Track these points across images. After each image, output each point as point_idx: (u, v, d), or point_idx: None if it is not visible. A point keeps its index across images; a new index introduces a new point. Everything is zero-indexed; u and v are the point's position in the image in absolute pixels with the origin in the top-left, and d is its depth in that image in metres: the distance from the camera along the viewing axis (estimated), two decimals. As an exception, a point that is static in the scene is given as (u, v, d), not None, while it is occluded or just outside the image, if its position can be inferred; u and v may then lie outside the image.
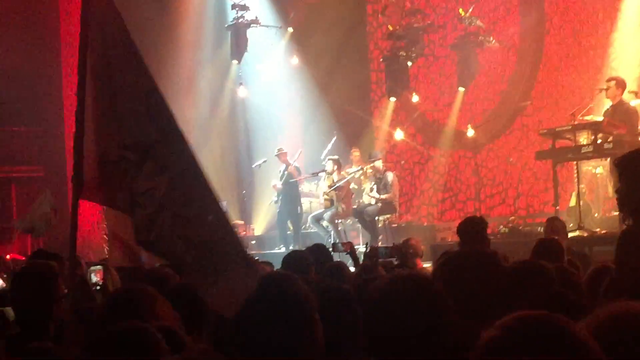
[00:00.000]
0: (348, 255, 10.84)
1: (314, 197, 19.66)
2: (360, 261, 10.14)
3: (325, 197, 18.31)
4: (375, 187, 17.93)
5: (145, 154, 4.33)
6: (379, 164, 18.04)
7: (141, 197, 4.30)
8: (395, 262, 10.08)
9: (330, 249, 10.61)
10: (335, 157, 18.72)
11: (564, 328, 1.95)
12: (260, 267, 3.48)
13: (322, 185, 18.64)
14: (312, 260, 7.79)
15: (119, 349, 3.33)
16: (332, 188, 18.08)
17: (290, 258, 7.88)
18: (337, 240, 17.33)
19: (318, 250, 8.94)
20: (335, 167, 18.35)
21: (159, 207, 4.26)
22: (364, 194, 18.58)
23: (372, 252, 10.19)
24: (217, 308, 3.81)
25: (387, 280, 3.21)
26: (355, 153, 19.73)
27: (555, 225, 10.19)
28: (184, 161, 4.36)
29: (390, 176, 17.93)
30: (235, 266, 3.97)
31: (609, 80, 14.41)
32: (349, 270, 8.27)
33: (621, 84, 14.27)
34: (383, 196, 17.66)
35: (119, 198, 4.33)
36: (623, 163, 4.49)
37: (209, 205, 4.36)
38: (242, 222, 21.59)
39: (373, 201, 17.84)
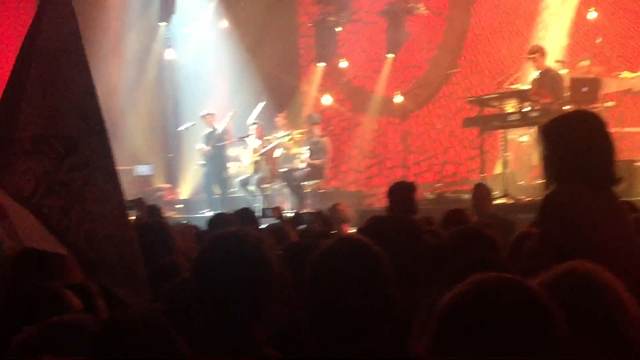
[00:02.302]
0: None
1: (240, 161, 19.57)
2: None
3: (255, 159, 18.24)
4: (310, 151, 17.79)
5: (70, 148, 4.32)
6: (317, 128, 17.94)
7: (59, 186, 4.28)
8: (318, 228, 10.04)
9: (260, 215, 10.55)
10: (258, 121, 18.65)
11: (526, 287, 2.00)
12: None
13: (249, 149, 18.57)
14: (238, 223, 7.71)
15: (30, 308, 3.31)
16: (260, 152, 18.02)
17: (216, 221, 7.81)
18: (265, 205, 17.31)
19: (244, 214, 8.88)
20: (259, 131, 18.29)
21: (73, 199, 4.25)
22: (294, 158, 18.50)
23: (295, 219, 10.17)
24: (130, 301, 3.78)
25: (328, 246, 3.19)
26: (283, 117, 19.68)
27: (480, 191, 10.28)
28: (104, 161, 4.36)
29: (325, 142, 17.85)
30: (132, 277, 3.96)
31: (532, 52, 14.49)
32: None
33: (544, 53, 14.39)
34: (315, 161, 17.60)
35: (21, 185, 4.29)
36: (547, 129, 4.53)
37: (120, 209, 4.38)
38: (169, 185, 21.46)
39: (303, 165, 17.79)
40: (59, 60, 4.51)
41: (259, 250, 3.24)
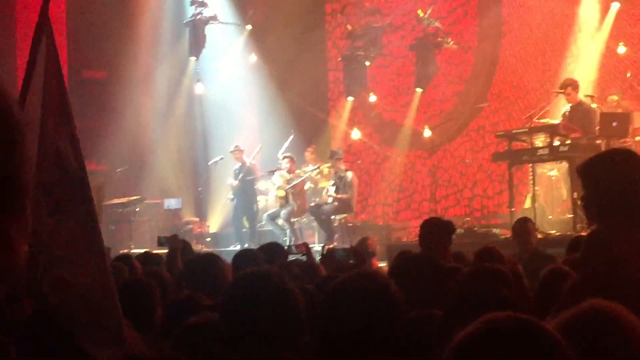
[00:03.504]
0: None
1: (269, 195, 19.62)
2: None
3: (280, 194, 18.26)
4: (334, 186, 17.85)
5: (45, 193, 4.31)
6: (340, 163, 17.99)
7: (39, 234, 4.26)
8: (351, 262, 9.99)
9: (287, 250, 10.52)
10: (290, 154, 18.68)
11: (540, 328, 1.98)
12: (128, 347, 3.35)
13: (278, 183, 18.58)
14: (262, 259, 7.67)
15: None
16: (289, 186, 18.04)
17: (241, 256, 7.78)
18: (292, 240, 17.30)
19: (270, 249, 8.83)
20: (290, 164, 18.32)
21: (41, 245, 4.21)
22: (324, 193, 18.54)
23: (329, 254, 10.13)
24: (93, 352, 3.71)
25: (342, 279, 3.22)
26: (311, 152, 19.73)
27: (527, 226, 10.20)
28: (77, 207, 4.32)
29: (350, 176, 17.87)
30: (108, 335, 3.86)
31: (564, 86, 14.46)
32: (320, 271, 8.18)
33: (576, 86, 14.36)
34: (342, 195, 17.62)
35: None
36: (585, 168, 4.52)
37: (94, 256, 4.29)
38: (197, 219, 21.51)
39: (331, 200, 17.82)
40: (45, 108, 4.50)
41: (283, 288, 3.29)
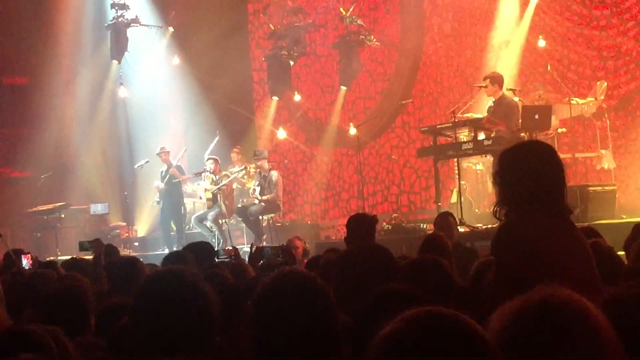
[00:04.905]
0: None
1: (197, 198, 19.51)
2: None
3: (208, 196, 18.17)
4: (259, 186, 17.81)
5: None
6: (264, 163, 17.95)
7: None
8: (280, 259, 9.96)
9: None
10: (214, 156, 18.60)
11: (462, 322, 1.97)
12: None
13: (205, 185, 18.49)
14: (192, 260, 7.58)
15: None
16: (216, 188, 17.96)
17: (170, 259, 7.70)
18: (221, 241, 17.24)
19: (198, 249, 8.69)
20: (214, 166, 18.24)
21: None
22: (250, 193, 18.45)
23: (257, 253, 10.09)
24: None
25: (271, 278, 3.19)
26: (237, 152, 19.66)
27: (449, 220, 10.27)
28: None
29: (275, 175, 17.85)
30: None
31: (484, 78, 14.60)
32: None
33: (497, 79, 14.44)
34: (266, 197, 17.57)
35: None
36: (501, 159, 4.58)
37: None
38: (124, 223, 21.32)
39: (257, 201, 17.76)
40: None
41: (195, 287, 3.25)
